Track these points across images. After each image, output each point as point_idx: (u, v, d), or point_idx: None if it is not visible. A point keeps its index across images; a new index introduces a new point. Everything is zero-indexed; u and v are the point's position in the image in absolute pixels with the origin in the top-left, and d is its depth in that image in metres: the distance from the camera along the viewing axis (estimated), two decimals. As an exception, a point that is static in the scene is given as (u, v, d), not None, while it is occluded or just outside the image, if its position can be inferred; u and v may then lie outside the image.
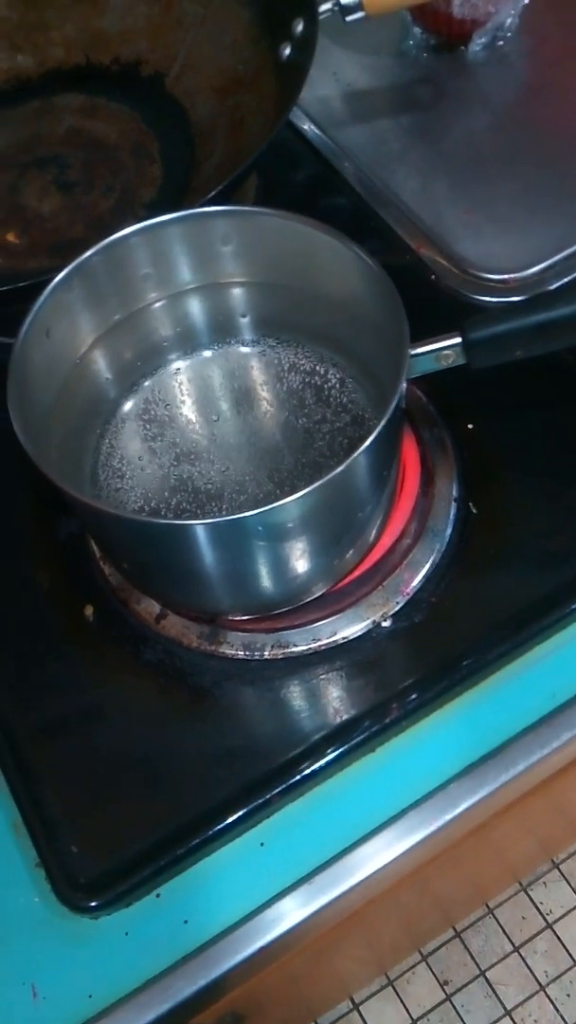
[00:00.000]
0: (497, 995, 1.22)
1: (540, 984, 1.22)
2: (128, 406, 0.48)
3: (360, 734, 0.43)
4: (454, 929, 1.26)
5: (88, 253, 0.42)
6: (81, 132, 0.64)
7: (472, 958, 1.25)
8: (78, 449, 0.46)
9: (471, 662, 0.44)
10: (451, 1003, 1.22)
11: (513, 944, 1.25)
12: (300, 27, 0.55)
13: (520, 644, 0.44)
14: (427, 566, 0.47)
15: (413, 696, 0.43)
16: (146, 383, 0.48)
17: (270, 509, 0.35)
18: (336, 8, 0.55)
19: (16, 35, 0.65)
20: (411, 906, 0.80)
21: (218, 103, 0.62)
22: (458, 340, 0.39)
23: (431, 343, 0.40)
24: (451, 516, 0.48)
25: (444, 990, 1.23)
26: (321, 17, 0.54)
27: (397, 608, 0.46)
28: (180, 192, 0.61)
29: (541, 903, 1.27)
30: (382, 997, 1.24)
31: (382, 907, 0.68)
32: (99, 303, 0.44)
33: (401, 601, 0.46)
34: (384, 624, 0.46)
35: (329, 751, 0.42)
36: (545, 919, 1.25)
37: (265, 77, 0.59)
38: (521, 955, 1.24)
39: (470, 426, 0.51)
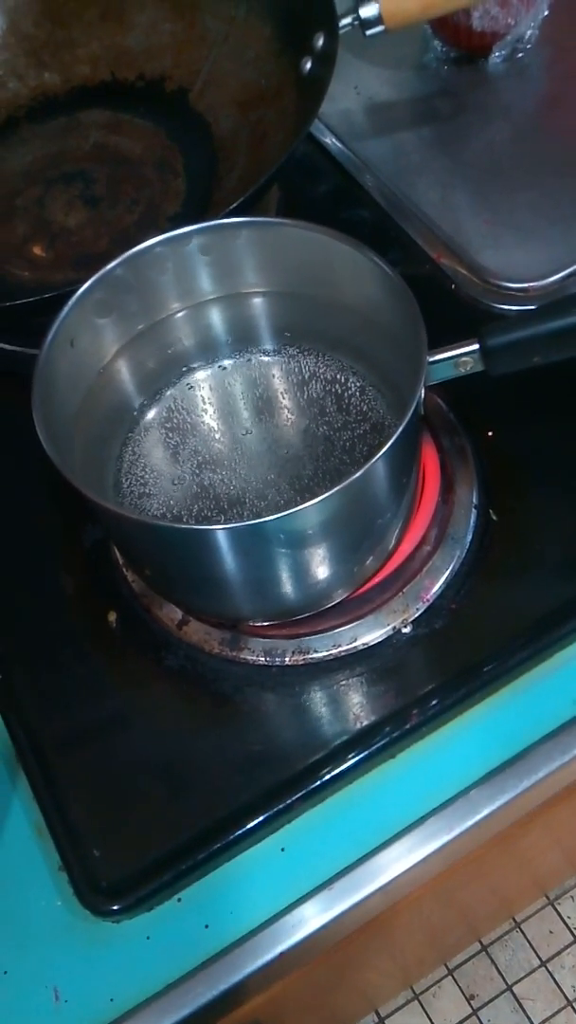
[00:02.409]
0: (524, 1010, 1.21)
1: (567, 999, 1.20)
2: (151, 414, 0.48)
3: (380, 740, 0.43)
4: (480, 943, 1.25)
5: (111, 264, 0.43)
6: (106, 147, 0.66)
7: (499, 972, 1.23)
8: (102, 457, 0.47)
9: (491, 668, 0.44)
10: (477, 1017, 1.21)
11: (540, 958, 1.23)
12: (321, 41, 0.55)
13: (541, 650, 0.44)
14: (447, 573, 0.47)
15: (434, 702, 0.43)
16: (169, 392, 0.49)
17: (290, 514, 0.35)
18: (356, 23, 0.55)
19: (43, 53, 0.66)
20: (435, 918, 0.80)
21: (241, 117, 0.63)
22: (476, 347, 0.39)
23: (449, 350, 0.40)
24: (471, 523, 0.48)
25: (470, 1004, 1.22)
26: (341, 31, 0.55)
27: (417, 614, 0.46)
28: (203, 205, 0.62)
29: (569, 917, 1.25)
30: (408, 1011, 1.23)
31: (405, 917, 0.68)
32: (122, 313, 0.45)
33: (421, 607, 0.46)
34: (404, 630, 0.46)
35: (349, 757, 0.43)
36: (573, 933, 1.24)
37: (287, 91, 0.60)
38: (548, 969, 1.23)
39: (490, 434, 0.51)
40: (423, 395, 0.39)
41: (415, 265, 0.59)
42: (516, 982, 1.22)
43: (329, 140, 0.66)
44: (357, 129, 0.67)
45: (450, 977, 1.24)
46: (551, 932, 1.25)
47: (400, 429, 0.37)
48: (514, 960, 1.24)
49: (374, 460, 0.36)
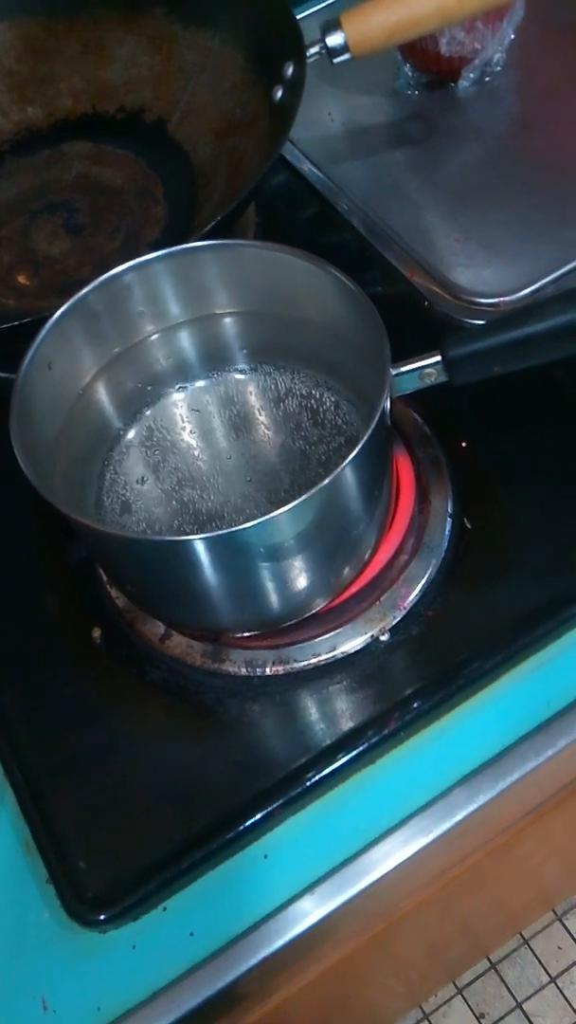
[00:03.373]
0: (535, 1027, 1.20)
1: (577, 1015, 1.19)
2: (131, 435, 0.50)
3: (361, 746, 0.44)
4: (489, 960, 1.24)
5: (85, 290, 0.44)
6: (89, 177, 0.67)
7: (508, 990, 1.22)
8: (83, 477, 0.48)
9: (468, 673, 0.45)
10: (488, 1037, 1.20)
11: (550, 975, 1.23)
12: (291, 70, 0.57)
13: (516, 654, 0.45)
14: (424, 581, 0.48)
15: (412, 707, 0.44)
16: (148, 412, 0.50)
17: (262, 522, 0.36)
18: (324, 51, 0.57)
19: (26, 88, 0.69)
20: (436, 932, 0.80)
21: (218, 145, 0.65)
22: (438, 358, 0.41)
23: (413, 362, 0.41)
24: (447, 532, 0.49)
25: (480, 1023, 1.21)
26: (310, 60, 0.57)
27: (395, 622, 0.47)
28: (183, 231, 0.64)
29: (576, 933, 1.25)
30: (419, 1032, 1.22)
31: (405, 931, 0.68)
32: (99, 337, 0.47)
33: (399, 615, 0.47)
34: (383, 638, 0.47)
35: (330, 763, 0.43)
36: (581, 949, 1.23)
37: (261, 119, 0.61)
38: (558, 986, 1.22)
39: (464, 444, 0.52)
40: (389, 405, 0.40)
41: (390, 284, 0.60)
42: (526, 999, 1.22)
43: (306, 167, 0.68)
44: (332, 155, 0.69)
45: (460, 996, 1.23)
46: (560, 948, 1.24)
47: (366, 437, 0.38)
48: (523, 977, 1.23)
49: (341, 467, 0.37)
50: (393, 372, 0.41)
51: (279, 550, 0.40)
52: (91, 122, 0.69)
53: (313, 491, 0.37)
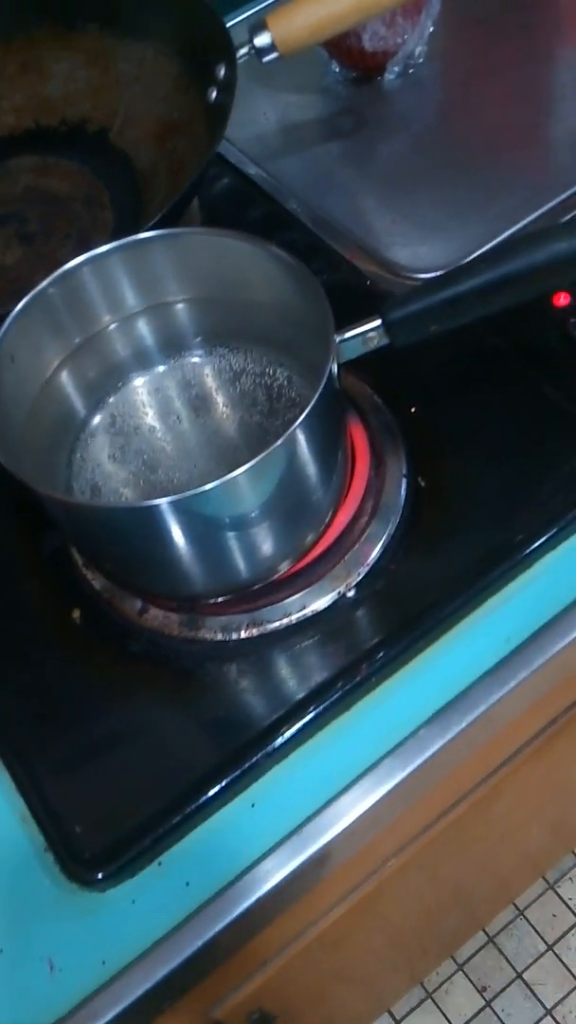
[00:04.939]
0: (536, 995, 1.22)
1: (577, 979, 1.22)
2: (96, 421, 0.52)
3: (334, 694, 0.46)
4: (486, 934, 1.26)
5: (42, 284, 0.47)
6: (36, 189, 0.70)
7: (508, 961, 1.25)
8: (51, 465, 0.50)
9: (430, 619, 0.47)
10: (491, 1008, 1.22)
11: (546, 943, 1.25)
12: (223, 71, 0.60)
13: (473, 597, 0.48)
14: (384, 538, 0.50)
15: (380, 655, 0.47)
16: (111, 399, 0.53)
17: (222, 483, 0.39)
18: (252, 51, 0.60)
19: (-31, 108, 0.71)
20: (429, 897, 0.82)
21: (158, 149, 0.68)
22: (378, 322, 0.44)
23: (355, 327, 0.44)
24: (402, 491, 0.52)
25: (483, 996, 1.24)
26: (240, 60, 0.60)
27: (359, 578, 0.49)
28: (131, 233, 0.66)
29: (570, 899, 1.27)
30: (423, 1011, 1.24)
31: (395, 891, 0.70)
32: (59, 329, 0.49)
33: (363, 571, 0.49)
34: (349, 594, 0.49)
35: (307, 713, 0.46)
36: (575, 914, 1.26)
37: (197, 120, 0.64)
38: (555, 953, 1.25)
39: (413, 410, 0.55)
40: (336, 369, 0.43)
41: (334, 269, 0.63)
42: (525, 969, 1.24)
43: (244, 165, 0.71)
44: (269, 151, 0.72)
45: (461, 972, 1.26)
46: (554, 916, 1.27)
47: (314, 399, 0.40)
48: (521, 947, 1.26)
49: (293, 428, 0.40)
50: (337, 339, 0.44)
51: (241, 512, 0.42)
52: (35, 136, 0.72)
53: (267, 451, 0.39)
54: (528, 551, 0.48)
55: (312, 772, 0.45)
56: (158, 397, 0.53)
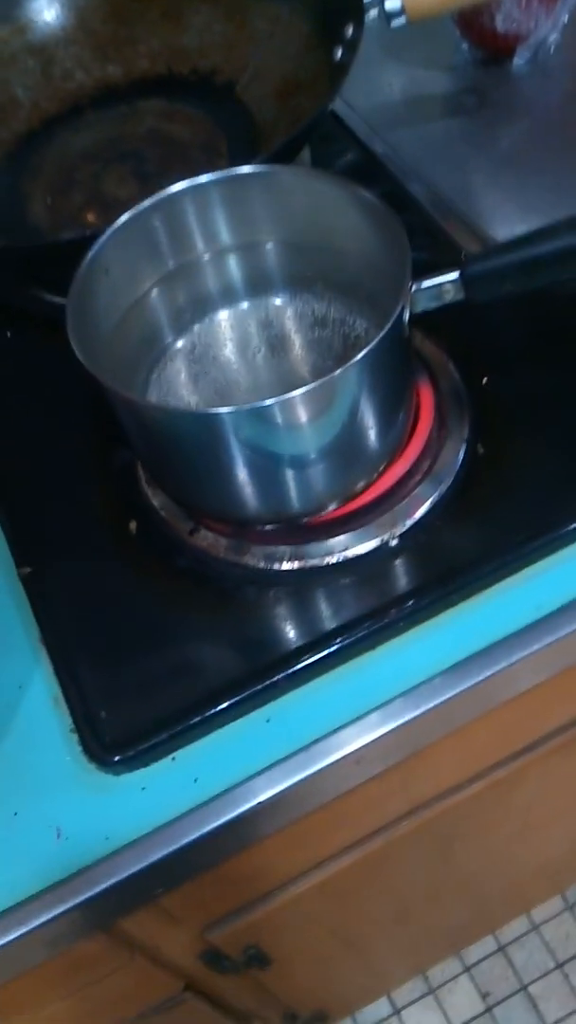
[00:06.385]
0: (538, 1009, 1.21)
1: (582, 1000, 1.20)
2: (178, 345, 0.55)
3: (360, 632, 0.48)
4: (497, 941, 1.26)
5: (144, 204, 0.49)
6: (159, 132, 0.73)
7: (515, 972, 1.24)
8: (129, 380, 0.53)
9: (466, 576, 0.48)
10: (491, 1015, 1.22)
11: (557, 961, 1.24)
12: (350, 31, 0.62)
13: (511, 563, 0.49)
14: (435, 495, 0.52)
15: (411, 603, 0.48)
16: (195, 327, 0.55)
17: (280, 400, 0.41)
18: (381, 14, 0.62)
19: (108, 48, 0.74)
20: (437, 875, 0.83)
21: (280, 106, 0.70)
22: (456, 275, 0.45)
23: (433, 277, 0.45)
24: (460, 455, 0.53)
25: (484, 1001, 1.23)
26: (368, 21, 0.61)
27: (404, 530, 0.51)
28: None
29: (588, 923, 1.26)
30: (423, 1005, 1.25)
31: (402, 857, 0.71)
32: (155, 251, 0.52)
33: (408, 523, 0.51)
34: (392, 543, 0.51)
35: (332, 645, 0.47)
36: (590, 938, 1.24)
37: (321, 81, 0.66)
38: (564, 972, 1.23)
39: (485, 380, 0.56)
40: (407, 316, 0.45)
41: (431, 237, 0.64)
42: (532, 982, 1.23)
43: (363, 132, 0.72)
44: (389, 120, 0.73)
45: (467, 974, 1.25)
46: (568, 936, 1.26)
47: (378, 338, 0.42)
48: (531, 961, 1.25)
49: (353, 361, 0.41)
50: (413, 287, 0.45)
51: (296, 438, 0.44)
52: (165, 81, 0.75)
53: (325, 379, 0.41)
54: (573, 527, 0.49)
55: (328, 700, 0.47)
56: (239, 332, 0.55)
